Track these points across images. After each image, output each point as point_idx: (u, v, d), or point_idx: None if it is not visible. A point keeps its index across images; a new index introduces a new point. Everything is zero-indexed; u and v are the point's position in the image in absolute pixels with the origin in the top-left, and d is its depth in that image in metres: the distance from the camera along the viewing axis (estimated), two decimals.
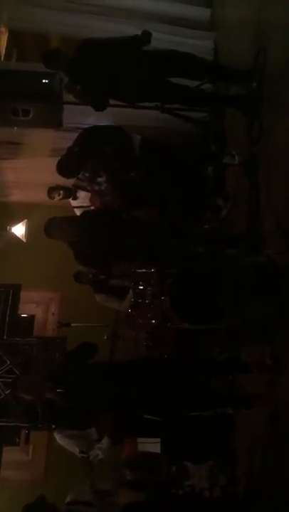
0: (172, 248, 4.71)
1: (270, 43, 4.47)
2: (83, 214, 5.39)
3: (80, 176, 5.46)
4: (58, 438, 4.75)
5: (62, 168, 5.23)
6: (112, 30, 5.46)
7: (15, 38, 6.97)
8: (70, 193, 5.86)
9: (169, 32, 5.99)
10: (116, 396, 4.07)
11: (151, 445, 5.00)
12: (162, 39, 5.64)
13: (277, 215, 4.04)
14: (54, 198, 5.85)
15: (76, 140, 5.25)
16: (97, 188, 5.26)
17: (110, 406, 4.20)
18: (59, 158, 5.32)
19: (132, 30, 4.98)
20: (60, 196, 5.83)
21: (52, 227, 4.95)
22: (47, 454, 6.74)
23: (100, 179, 5.15)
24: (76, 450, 4.66)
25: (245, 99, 4.79)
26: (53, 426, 4.69)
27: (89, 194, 5.72)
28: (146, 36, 4.71)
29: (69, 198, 5.92)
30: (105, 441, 4.71)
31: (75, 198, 5.93)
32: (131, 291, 4.49)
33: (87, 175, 5.27)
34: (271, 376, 4.00)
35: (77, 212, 5.79)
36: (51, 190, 5.84)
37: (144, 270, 4.34)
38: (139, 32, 4.77)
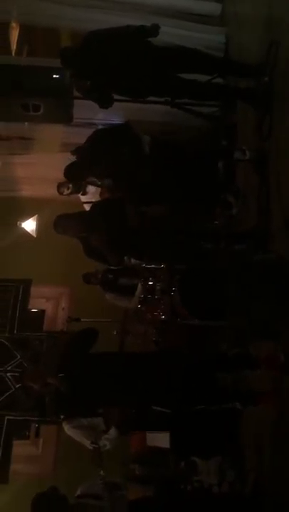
0: (181, 244, 4.70)
1: (280, 38, 4.43)
2: (92, 207, 5.40)
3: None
4: (67, 429, 4.75)
5: (73, 168, 5.18)
6: (122, 24, 5.42)
7: (26, 34, 6.95)
8: (79, 187, 5.86)
9: (180, 26, 5.95)
10: (122, 387, 4.08)
11: (161, 439, 4.99)
12: (173, 33, 5.62)
13: (285, 213, 4.02)
14: (63, 192, 5.85)
15: (87, 140, 5.25)
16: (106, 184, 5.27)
17: (115, 397, 4.20)
18: (69, 155, 5.32)
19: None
20: (69, 191, 5.82)
21: (58, 225, 4.98)
22: (57, 447, 6.78)
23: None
24: (85, 441, 4.67)
25: (255, 92, 4.75)
26: (62, 416, 4.71)
27: (98, 189, 5.72)
28: (154, 28, 4.64)
29: (78, 193, 5.92)
30: (112, 432, 4.72)
31: (84, 193, 5.94)
32: (140, 286, 4.49)
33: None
34: (277, 374, 3.99)
35: (87, 207, 5.79)
36: (60, 185, 5.84)
37: (153, 266, 4.34)
38: None
